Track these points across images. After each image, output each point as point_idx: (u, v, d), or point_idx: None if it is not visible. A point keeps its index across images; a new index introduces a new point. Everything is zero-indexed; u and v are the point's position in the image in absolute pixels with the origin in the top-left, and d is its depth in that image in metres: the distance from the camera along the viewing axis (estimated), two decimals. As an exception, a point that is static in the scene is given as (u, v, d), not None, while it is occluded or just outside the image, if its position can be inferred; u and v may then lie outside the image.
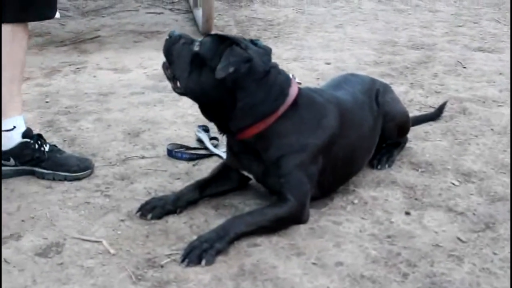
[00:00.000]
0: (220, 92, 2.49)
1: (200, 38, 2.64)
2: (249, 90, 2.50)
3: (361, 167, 2.97)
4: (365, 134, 2.90)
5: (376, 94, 3.04)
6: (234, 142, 2.68)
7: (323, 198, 2.76)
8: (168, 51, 2.62)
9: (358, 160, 2.90)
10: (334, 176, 2.73)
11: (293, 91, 2.61)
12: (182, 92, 2.61)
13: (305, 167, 2.57)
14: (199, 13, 5.83)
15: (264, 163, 2.60)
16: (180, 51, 2.58)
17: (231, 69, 2.41)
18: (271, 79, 2.56)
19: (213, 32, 5.44)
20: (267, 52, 2.63)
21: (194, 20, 6.13)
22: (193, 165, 3.11)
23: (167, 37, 2.64)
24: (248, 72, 2.47)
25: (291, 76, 2.70)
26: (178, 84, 2.59)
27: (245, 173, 2.72)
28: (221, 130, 2.66)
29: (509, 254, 2.37)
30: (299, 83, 2.74)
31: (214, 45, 2.52)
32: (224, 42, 2.52)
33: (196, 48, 2.54)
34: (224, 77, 2.42)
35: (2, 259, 2.31)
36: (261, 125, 2.55)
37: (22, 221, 2.58)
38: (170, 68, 2.62)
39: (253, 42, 2.64)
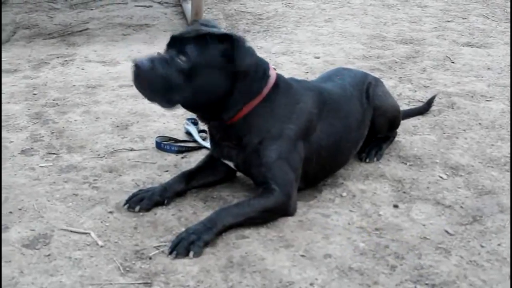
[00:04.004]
0: (223, 87, 2.50)
1: (167, 52, 2.49)
2: (247, 75, 2.52)
3: (348, 159, 2.97)
4: (352, 125, 2.90)
5: (367, 87, 3.05)
6: (216, 130, 2.68)
7: (312, 191, 2.78)
8: (146, 83, 2.46)
9: (345, 151, 2.90)
10: (319, 166, 2.74)
11: (273, 73, 2.65)
12: (175, 106, 2.53)
13: (286, 154, 2.58)
14: (188, 6, 5.82)
15: (244, 151, 2.61)
16: (166, 76, 2.43)
17: (255, 55, 2.52)
18: (258, 61, 2.60)
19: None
20: None
21: (183, 14, 6.11)
22: (182, 157, 3.11)
23: (134, 69, 2.42)
24: None
25: None
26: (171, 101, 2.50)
27: (227, 162, 2.72)
28: (210, 118, 2.63)
29: (496, 247, 2.38)
30: (274, 68, 2.75)
31: (207, 48, 2.46)
32: (213, 40, 2.46)
33: (185, 64, 2.43)
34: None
35: (-11, 251, 2.30)
36: (248, 107, 2.57)
37: (10, 212, 2.57)
38: (157, 96, 2.48)
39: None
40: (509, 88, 4.14)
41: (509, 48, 5.12)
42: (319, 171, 2.76)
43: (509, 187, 2.83)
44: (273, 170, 2.55)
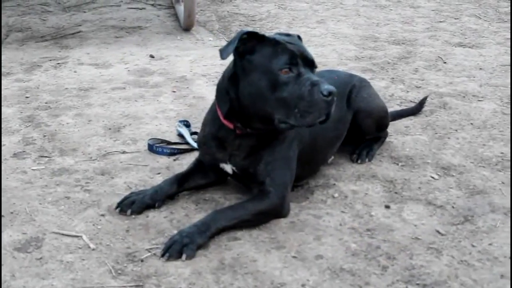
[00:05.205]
0: None
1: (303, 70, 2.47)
2: None
3: (325, 159, 2.98)
4: (328, 124, 2.84)
5: (351, 90, 3.06)
6: (235, 138, 2.61)
7: (304, 192, 2.79)
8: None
9: (322, 150, 2.90)
10: (301, 163, 2.72)
11: None
12: None
13: (286, 155, 2.60)
14: (181, 8, 5.82)
15: (254, 155, 2.59)
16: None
17: None
18: None
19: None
20: None
21: (175, 16, 6.11)
22: (174, 160, 3.11)
23: (332, 98, 2.43)
24: None
25: None
26: None
27: (224, 167, 2.69)
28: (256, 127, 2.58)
29: (487, 246, 2.39)
30: None
31: None
32: None
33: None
34: None
35: (-19, 255, 2.30)
36: None
37: (2, 216, 2.56)
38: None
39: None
40: (501, 88, 4.15)
41: (501, 48, 5.13)
42: (301, 169, 2.75)
43: (501, 187, 2.84)
44: (273, 171, 2.56)
